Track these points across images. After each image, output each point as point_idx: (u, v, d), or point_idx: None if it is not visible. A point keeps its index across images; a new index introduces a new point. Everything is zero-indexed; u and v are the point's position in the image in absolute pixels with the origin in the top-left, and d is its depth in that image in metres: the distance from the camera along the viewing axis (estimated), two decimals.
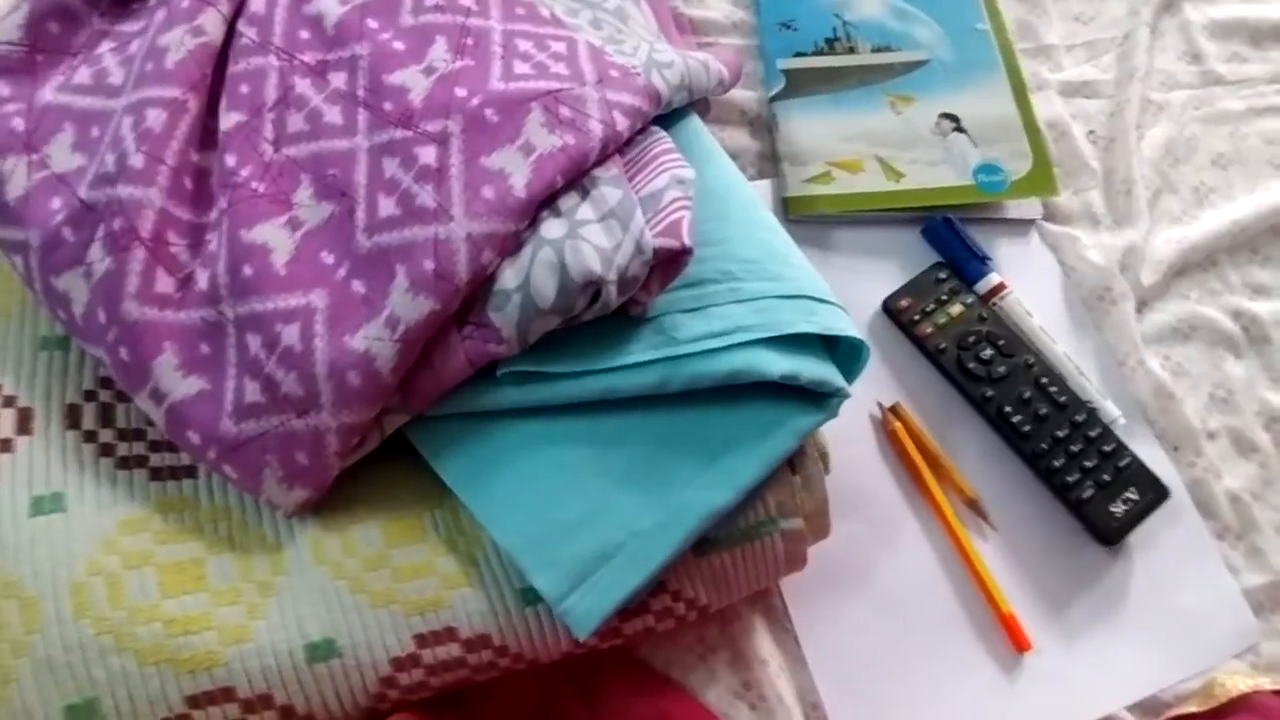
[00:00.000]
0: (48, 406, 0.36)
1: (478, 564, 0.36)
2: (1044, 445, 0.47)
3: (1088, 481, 0.46)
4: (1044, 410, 0.47)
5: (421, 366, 0.35)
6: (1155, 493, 0.47)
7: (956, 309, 0.50)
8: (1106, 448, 0.47)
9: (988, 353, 0.49)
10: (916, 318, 0.50)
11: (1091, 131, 0.59)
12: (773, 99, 0.56)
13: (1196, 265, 0.55)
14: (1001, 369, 0.48)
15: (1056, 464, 0.46)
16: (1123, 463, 0.47)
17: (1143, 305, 0.53)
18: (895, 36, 0.59)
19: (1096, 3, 0.64)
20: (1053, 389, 0.48)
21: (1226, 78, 0.61)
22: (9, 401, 0.36)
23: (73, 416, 0.37)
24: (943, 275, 0.51)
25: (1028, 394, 0.48)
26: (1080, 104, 0.60)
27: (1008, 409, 0.48)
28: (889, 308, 0.51)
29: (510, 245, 0.35)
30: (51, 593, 0.32)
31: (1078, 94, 0.60)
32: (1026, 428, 0.47)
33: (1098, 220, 0.56)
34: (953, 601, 0.45)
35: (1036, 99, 0.58)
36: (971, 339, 0.49)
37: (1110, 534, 0.46)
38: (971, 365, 0.49)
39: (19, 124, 0.37)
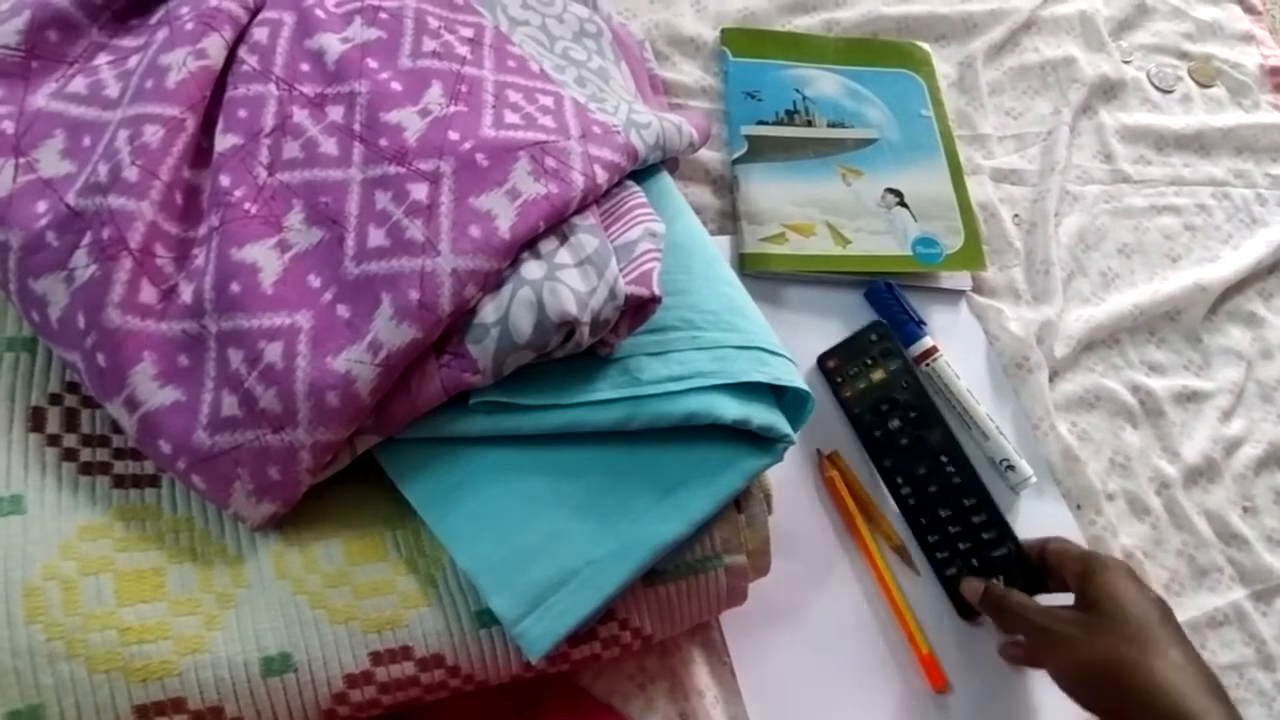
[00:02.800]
0: (11, 408, 0.36)
1: (436, 585, 0.37)
2: (924, 520, 0.50)
3: (957, 561, 0.49)
4: (934, 488, 0.50)
5: (397, 391, 0.36)
6: (1026, 585, 0.47)
7: (879, 374, 0.53)
8: (987, 535, 0.49)
9: (895, 423, 0.51)
10: (840, 380, 0.53)
11: (1017, 215, 0.65)
12: (735, 161, 0.60)
13: (1102, 342, 0.61)
14: (904, 441, 0.51)
15: (931, 539, 0.50)
16: (998, 552, 0.49)
17: (1055, 375, 0.59)
18: (849, 115, 0.64)
19: (1026, 100, 0.71)
20: (949, 469, 0.50)
21: (1133, 177, 0.69)
22: None
23: (36, 419, 0.36)
24: (875, 336, 0.54)
25: (923, 470, 0.50)
26: (1008, 189, 0.66)
27: (899, 480, 0.51)
28: (822, 365, 0.54)
29: (492, 282, 0.37)
30: (3, 595, 0.32)
31: (1006, 180, 0.67)
32: (911, 501, 0.50)
33: (1019, 295, 0.62)
34: (879, 640, 0.48)
35: (971, 182, 0.64)
36: (885, 407, 0.52)
37: (965, 611, 0.49)
38: (877, 434, 0.52)
39: (9, 127, 0.38)
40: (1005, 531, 0.49)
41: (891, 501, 0.52)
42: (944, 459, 0.51)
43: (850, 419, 0.53)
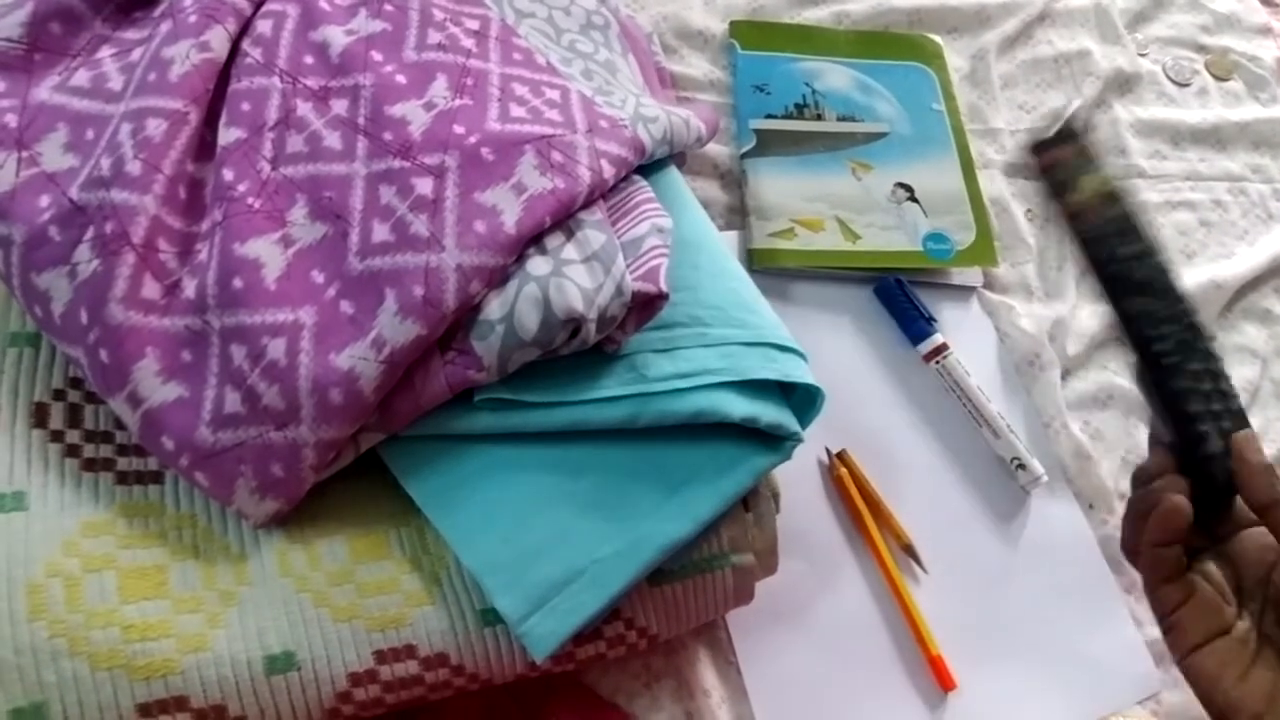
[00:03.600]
0: (14, 403, 0.36)
1: (440, 583, 0.37)
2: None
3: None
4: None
5: (402, 388, 0.36)
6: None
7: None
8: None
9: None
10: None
11: (1029, 210, 0.64)
12: (743, 155, 0.60)
13: (1115, 340, 0.60)
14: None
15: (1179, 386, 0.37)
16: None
17: (1067, 373, 0.58)
18: (859, 108, 0.63)
19: (1038, 94, 0.70)
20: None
21: (1148, 172, 0.68)
22: None
23: (39, 415, 0.36)
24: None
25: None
26: (1020, 184, 0.65)
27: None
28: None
29: (497, 278, 0.37)
30: (6, 592, 0.31)
31: (1018, 175, 0.66)
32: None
33: (1031, 292, 0.61)
34: (886, 640, 0.48)
35: (982, 176, 0.63)
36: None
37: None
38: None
39: (11, 120, 0.37)
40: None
41: (905, 492, 0.50)
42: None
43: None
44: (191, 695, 0.32)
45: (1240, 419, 0.37)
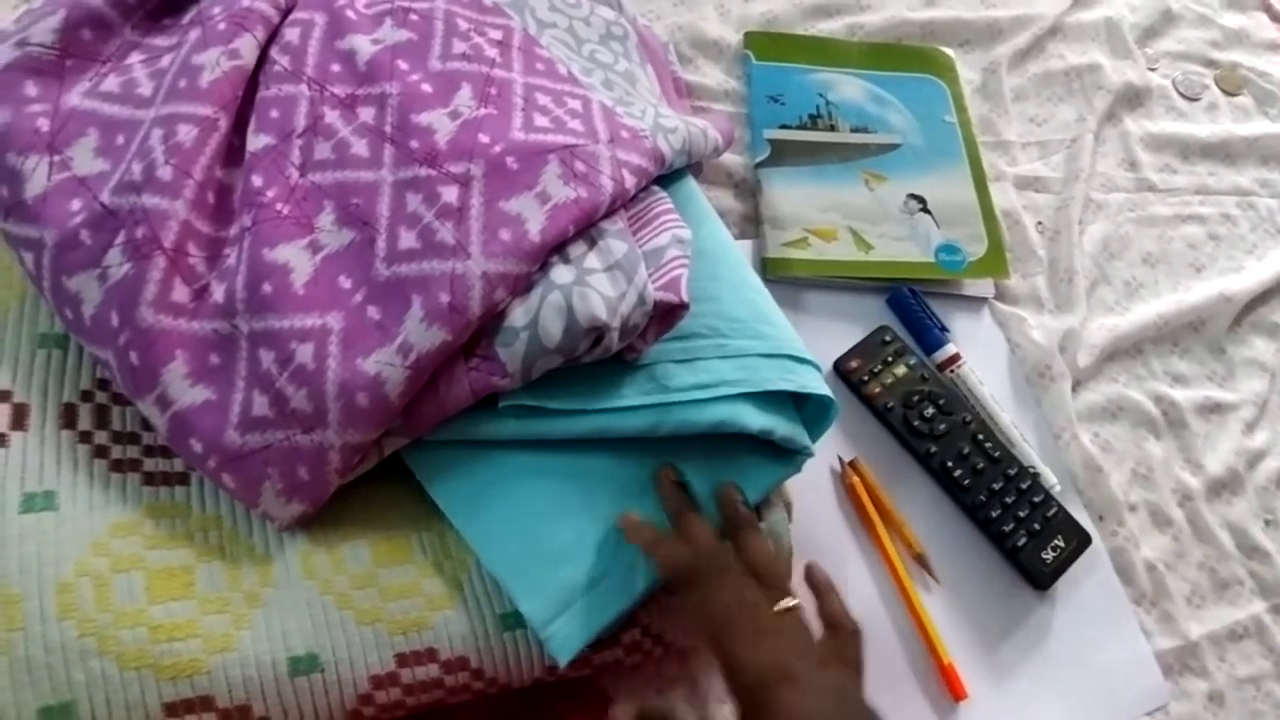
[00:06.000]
0: (44, 404, 0.36)
1: (461, 588, 0.37)
2: (982, 497, 0.51)
3: (1021, 531, 0.50)
4: (980, 464, 0.52)
5: (426, 393, 0.37)
6: (1079, 540, 0.51)
7: (901, 370, 0.54)
8: (1035, 499, 0.51)
9: (929, 411, 0.53)
10: (865, 378, 0.54)
11: (1040, 223, 0.65)
12: (758, 165, 0.60)
13: (1125, 352, 0.61)
14: (942, 426, 0.52)
15: (994, 514, 0.50)
16: (1050, 513, 0.51)
17: (1078, 384, 0.58)
18: (872, 120, 0.64)
19: (1050, 107, 0.70)
20: (987, 444, 0.52)
21: (1158, 185, 0.68)
22: (4, 396, 0.36)
23: (69, 416, 0.37)
24: (888, 338, 0.55)
25: (966, 449, 0.52)
26: (1031, 196, 0.66)
27: (949, 463, 0.52)
28: (839, 368, 0.54)
29: (522, 286, 0.37)
30: (36, 591, 0.32)
31: (1029, 187, 0.66)
32: (966, 481, 0.51)
33: (1042, 304, 0.61)
34: (898, 649, 0.48)
35: (994, 189, 0.64)
36: (915, 398, 0.53)
37: (1043, 579, 0.50)
38: (916, 423, 0.52)
39: (44, 124, 0.38)
40: (1046, 493, 0.52)
41: (916, 503, 0.51)
42: (980, 437, 0.52)
43: (879, 415, 0.53)
44: (217, 695, 0.33)
45: None
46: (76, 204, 0.37)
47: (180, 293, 0.36)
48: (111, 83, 0.40)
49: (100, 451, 0.36)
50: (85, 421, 0.37)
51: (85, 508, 0.34)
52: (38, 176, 0.37)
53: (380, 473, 0.38)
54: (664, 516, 0.39)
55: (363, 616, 0.35)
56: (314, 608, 0.35)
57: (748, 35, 0.66)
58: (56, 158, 0.37)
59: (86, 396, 0.38)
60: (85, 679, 0.31)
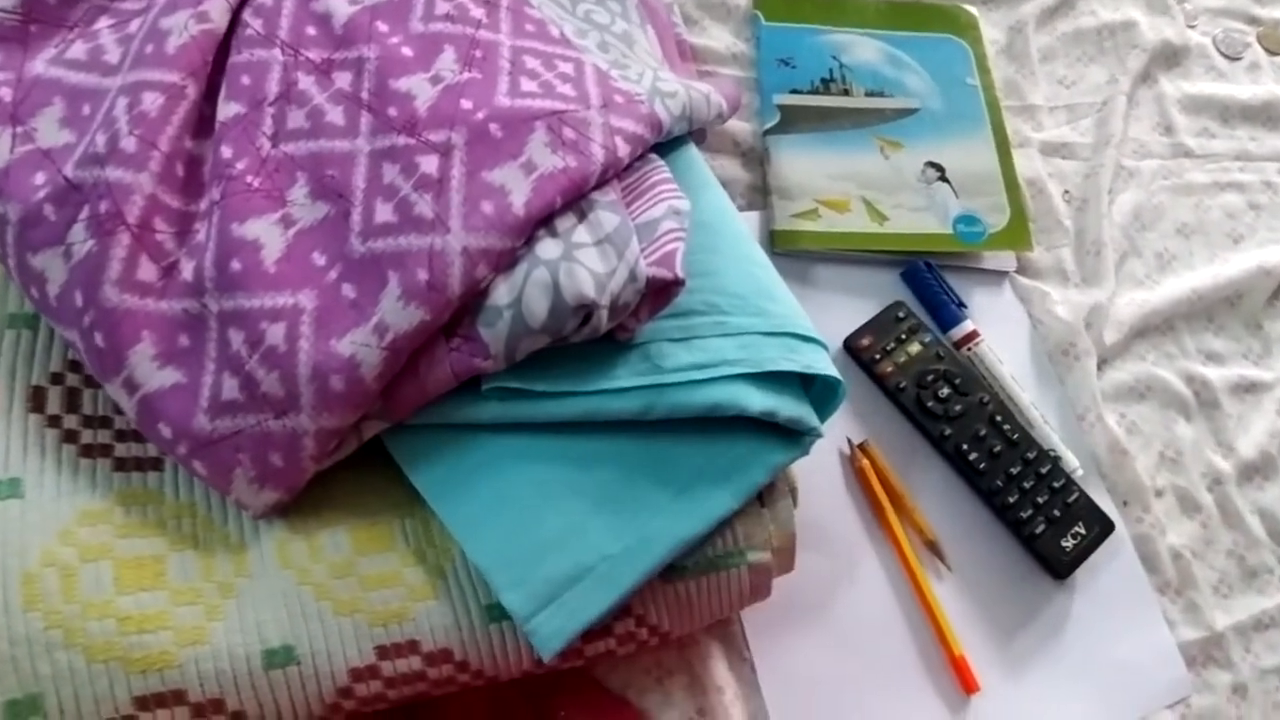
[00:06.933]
0: (11, 386, 0.35)
1: (445, 577, 0.36)
2: (998, 482, 0.48)
3: (1039, 517, 0.48)
4: (998, 447, 0.49)
5: (405, 375, 0.35)
6: (1101, 526, 0.49)
7: (915, 348, 0.52)
8: (1055, 484, 0.49)
9: (945, 391, 0.50)
10: (877, 356, 0.51)
11: (1067, 191, 0.61)
12: (766, 132, 0.57)
13: (1155, 329, 0.57)
14: (958, 407, 0.50)
15: (1010, 500, 0.48)
16: (1070, 498, 0.49)
17: (1103, 363, 0.55)
18: (888, 83, 0.61)
19: (1079, 68, 0.66)
20: (1005, 426, 0.50)
21: (1195, 151, 0.65)
22: None
23: (37, 399, 0.35)
24: (901, 314, 0.52)
25: (983, 431, 0.49)
26: (1058, 164, 0.62)
27: (964, 446, 0.49)
28: (850, 346, 0.52)
29: (505, 262, 0.35)
30: (1, 581, 0.31)
31: (1056, 154, 0.63)
32: (982, 465, 0.49)
33: (1067, 277, 0.58)
34: (907, 639, 0.46)
35: (1018, 155, 0.60)
36: (930, 378, 0.51)
37: (1061, 568, 0.48)
38: (930, 404, 0.50)
39: (6, 94, 0.36)
40: (1067, 477, 0.49)
41: (928, 487, 0.49)
42: (998, 418, 0.50)
43: (891, 395, 0.51)
44: (189, 689, 0.32)
45: None
46: (40, 177, 0.35)
47: (147, 270, 0.34)
48: (78, 49, 0.38)
49: (69, 436, 0.35)
50: (54, 405, 0.36)
51: (52, 494, 0.33)
52: (0, 149, 0.35)
53: (362, 456, 0.37)
54: (661, 500, 0.37)
55: (341, 607, 0.34)
56: (290, 598, 0.34)
57: None
58: (20, 129, 0.36)
59: (56, 379, 0.36)
60: (52, 672, 0.30)
